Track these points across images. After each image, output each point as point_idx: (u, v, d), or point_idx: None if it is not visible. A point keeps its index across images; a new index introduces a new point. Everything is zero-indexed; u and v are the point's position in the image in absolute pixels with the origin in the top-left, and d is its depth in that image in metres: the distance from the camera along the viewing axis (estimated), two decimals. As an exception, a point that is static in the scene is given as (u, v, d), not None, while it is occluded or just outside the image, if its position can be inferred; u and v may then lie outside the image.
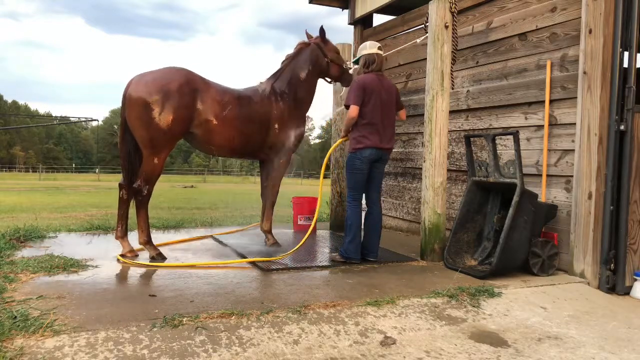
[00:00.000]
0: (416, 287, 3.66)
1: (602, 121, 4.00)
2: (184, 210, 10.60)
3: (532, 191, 4.20)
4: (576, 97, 4.17)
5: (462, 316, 3.22)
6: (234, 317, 2.85)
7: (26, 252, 4.37)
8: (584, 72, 4.07)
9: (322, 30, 5.02)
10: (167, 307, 2.96)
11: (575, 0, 4.23)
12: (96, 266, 3.96)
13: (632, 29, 3.98)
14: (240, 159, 5.25)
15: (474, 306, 3.35)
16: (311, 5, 7.69)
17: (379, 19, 7.29)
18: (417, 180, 6.12)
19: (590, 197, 4.05)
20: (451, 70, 4.62)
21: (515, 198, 4.00)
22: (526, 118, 4.70)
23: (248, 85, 4.92)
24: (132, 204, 4.37)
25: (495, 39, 5.06)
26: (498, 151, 4.56)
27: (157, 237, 5.13)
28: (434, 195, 4.52)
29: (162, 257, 4.24)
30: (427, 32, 4.73)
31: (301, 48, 5.00)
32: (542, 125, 4.50)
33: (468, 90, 5.37)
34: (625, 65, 4.04)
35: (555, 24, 4.43)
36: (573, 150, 4.22)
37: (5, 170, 53.75)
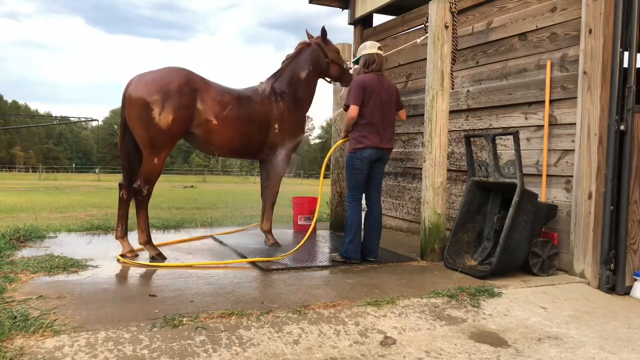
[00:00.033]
0: (416, 287, 3.66)
1: (602, 121, 4.00)
2: (184, 210, 10.60)
3: (532, 191, 4.20)
4: (576, 97, 4.17)
5: (462, 316, 3.21)
6: (234, 317, 2.85)
7: (26, 252, 4.37)
8: (584, 72, 4.07)
9: (323, 31, 5.02)
10: (167, 307, 2.96)
11: (575, 0, 4.23)
12: (96, 266, 3.96)
13: (632, 29, 3.98)
14: (240, 159, 5.25)
15: (474, 306, 3.35)
16: (311, 5, 7.69)
17: (379, 19, 7.31)
18: (417, 180, 6.12)
19: (590, 197, 4.05)
20: (451, 70, 4.62)
21: (515, 198, 4.00)
22: (526, 118, 4.70)
23: (248, 85, 4.92)
24: (132, 204, 4.37)
25: (495, 39, 5.06)
26: (498, 151, 4.56)
27: (157, 237, 5.13)
28: (434, 195, 4.52)
29: (162, 257, 4.24)
30: (427, 32, 4.73)
31: (302, 48, 5.00)
32: (542, 125, 4.50)
33: (468, 90, 5.37)
34: (625, 65, 4.04)
35: (555, 24, 4.43)
36: (573, 150, 4.22)
37: (5, 170, 53.76)
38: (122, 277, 3.75)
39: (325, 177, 4.89)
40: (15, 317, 2.65)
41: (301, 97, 4.93)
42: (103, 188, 21.89)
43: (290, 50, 5.09)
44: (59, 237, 5.29)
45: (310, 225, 4.99)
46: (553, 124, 4.44)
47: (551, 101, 4.44)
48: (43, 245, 4.75)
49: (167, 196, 15.33)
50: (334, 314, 3.03)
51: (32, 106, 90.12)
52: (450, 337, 2.92)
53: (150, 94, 4.06)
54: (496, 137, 4.53)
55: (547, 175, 4.48)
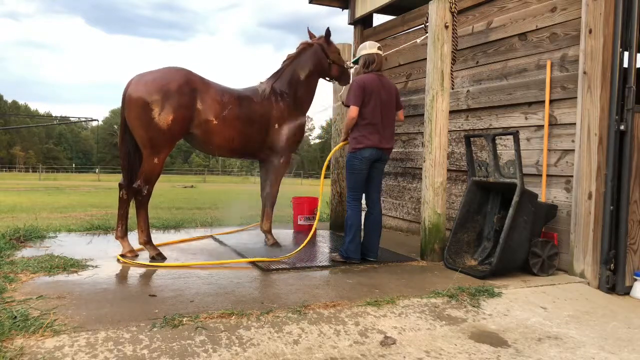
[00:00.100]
0: (416, 287, 3.66)
1: (602, 121, 4.00)
2: (184, 210, 10.60)
3: (532, 191, 4.20)
4: (576, 97, 4.17)
5: (462, 316, 3.21)
6: (234, 317, 2.85)
7: (26, 252, 4.37)
8: (584, 72, 4.07)
9: (328, 32, 5.02)
10: (167, 307, 2.96)
11: (575, 0, 4.23)
12: (96, 266, 3.96)
13: (632, 29, 3.98)
14: (240, 159, 5.25)
15: (474, 306, 3.35)
16: (311, 5, 7.69)
17: (379, 19, 7.31)
18: (417, 180, 6.12)
19: (590, 197, 4.05)
20: (451, 70, 4.62)
21: (515, 198, 4.00)
22: (526, 118, 4.70)
23: (248, 85, 4.92)
24: (132, 204, 4.37)
25: (495, 39, 5.06)
26: (498, 151, 4.56)
27: (157, 237, 5.13)
28: (434, 195, 4.52)
29: (162, 257, 4.24)
30: (427, 32, 4.72)
31: (304, 48, 4.99)
32: (542, 125, 4.50)
33: (468, 90, 5.37)
34: (625, 65, 4.04)
35: (555, 24, 4.43)
36: (573, 150, 4.22)
37: (5, 170, 53.77)
38: (122, 277, 3.75)
39: (325, 177, 4.88)
40: (15, 317, 2.65)
41: (301, 97, 4.93)
42: (103, 188, 21.90)
43: (291, 50, 5.09)
44: (59, 237, 5.29)
45: (310, 224, 4.99)
46: (553, 124, 4.44)
47: (551, 101, 4.43)
48: (43, 245, 4.75)
49: (167, 196, 15.34)
50: (334, 314, 3.03)
51: (32, 106, 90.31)
52: (450, 337, 2.92)
53: (150, 94, 4.06)
54: (496, 137, 4.53)
55: (547, 175, 4.48)
